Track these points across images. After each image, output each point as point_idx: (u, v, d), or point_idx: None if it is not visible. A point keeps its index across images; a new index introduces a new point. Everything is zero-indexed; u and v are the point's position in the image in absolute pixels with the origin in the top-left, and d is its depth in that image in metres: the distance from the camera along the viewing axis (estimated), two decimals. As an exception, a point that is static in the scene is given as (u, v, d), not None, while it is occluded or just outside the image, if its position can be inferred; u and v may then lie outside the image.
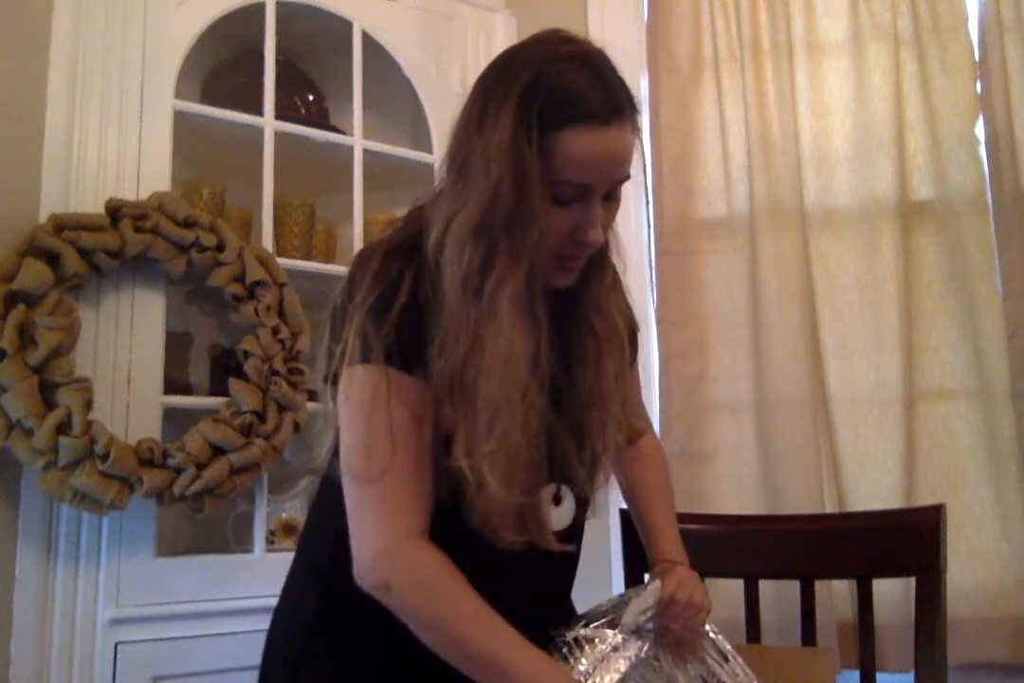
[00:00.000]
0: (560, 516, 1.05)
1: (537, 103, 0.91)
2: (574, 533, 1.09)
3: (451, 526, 0.96)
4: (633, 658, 1.01)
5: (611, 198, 0.99)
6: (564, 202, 0.94)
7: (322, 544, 1.09)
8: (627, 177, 0.98)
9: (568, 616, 1.12)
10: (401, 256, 0.98)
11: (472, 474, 0.92)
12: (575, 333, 1.05)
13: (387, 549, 0.95)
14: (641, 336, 1.20)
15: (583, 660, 1.00)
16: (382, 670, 1.02)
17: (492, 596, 0.93)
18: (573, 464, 1.04)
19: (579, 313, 1.06)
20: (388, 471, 0.94)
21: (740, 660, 1.08)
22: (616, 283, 1.09)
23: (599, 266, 1.06)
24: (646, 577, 1.18)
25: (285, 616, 1.10)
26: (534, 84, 0.92)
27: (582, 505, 1.09)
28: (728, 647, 1.09)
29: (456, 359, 0.93)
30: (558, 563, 1.09)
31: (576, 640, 1.03)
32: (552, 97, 0.92)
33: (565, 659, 1.01)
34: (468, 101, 0.98)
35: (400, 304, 0.95)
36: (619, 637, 1.02)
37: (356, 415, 0.97)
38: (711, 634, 1.09)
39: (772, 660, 1.18)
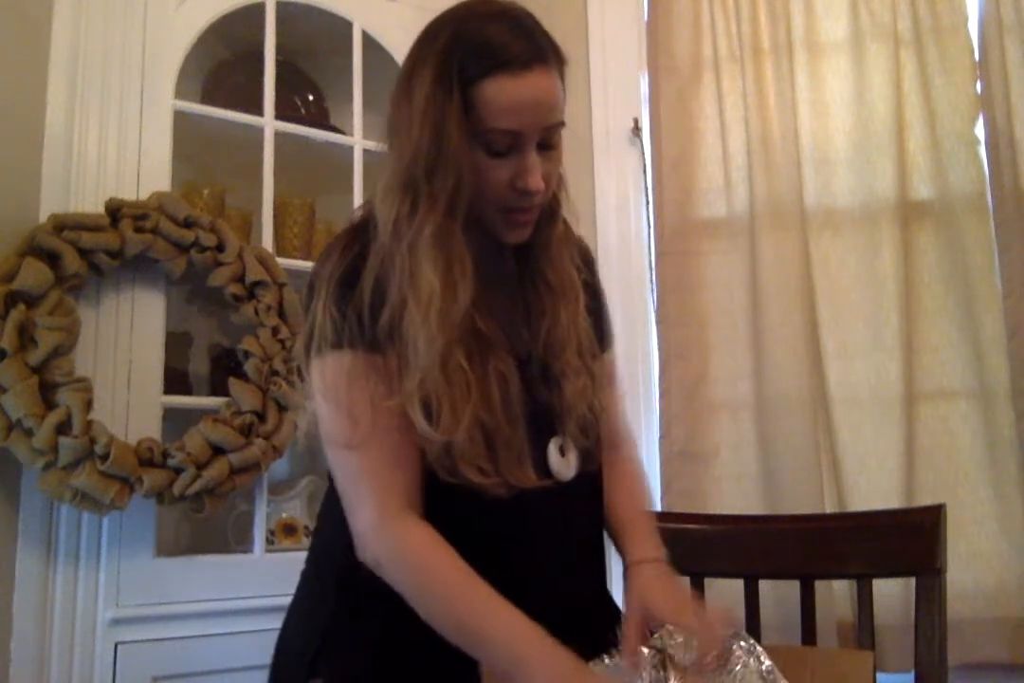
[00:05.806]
0: (563, 467, 1.05)
1: (456, 58, 0.94)
2: (586, 486, 1.08)
3: (450, 501, 0.97)
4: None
5: (548, 146, 0.99)
6: (499, 152, 0.96)
7: (336, 538, 1.06)
8: (559, 123, 0.99)
9: (606, 607, 1.11)
10: (360, 232, 1.02)
11: (411, 413, 0.94)
12: (531, 286, 1.08)
13: (374, 525, 0.97)
14: (641, 336, 1.19)
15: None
16: (405, 662, 1.01)
17: (502, 577, 0.93)
18: (559, 415, 1.05)
19: (533, 266, 1.08)
20: (368, 442, 0.96)
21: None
22: (568, 236, 1.11)
23: (550, 219, 1.07)
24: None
25: (302, 611, 1.09)
26: (452, 41, 0.95)
27: (588, 459, 1.08)
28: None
29: (394, 307, 0.96)
30: (574, 540, 1.08)
31: None
32: (471, 50, 0.94)
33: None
34: (400, 70, 1.03)
35: (363, 282, 0.97)
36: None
37: (333, 394, 0.98)
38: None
39: (808, 662, 1.16)
